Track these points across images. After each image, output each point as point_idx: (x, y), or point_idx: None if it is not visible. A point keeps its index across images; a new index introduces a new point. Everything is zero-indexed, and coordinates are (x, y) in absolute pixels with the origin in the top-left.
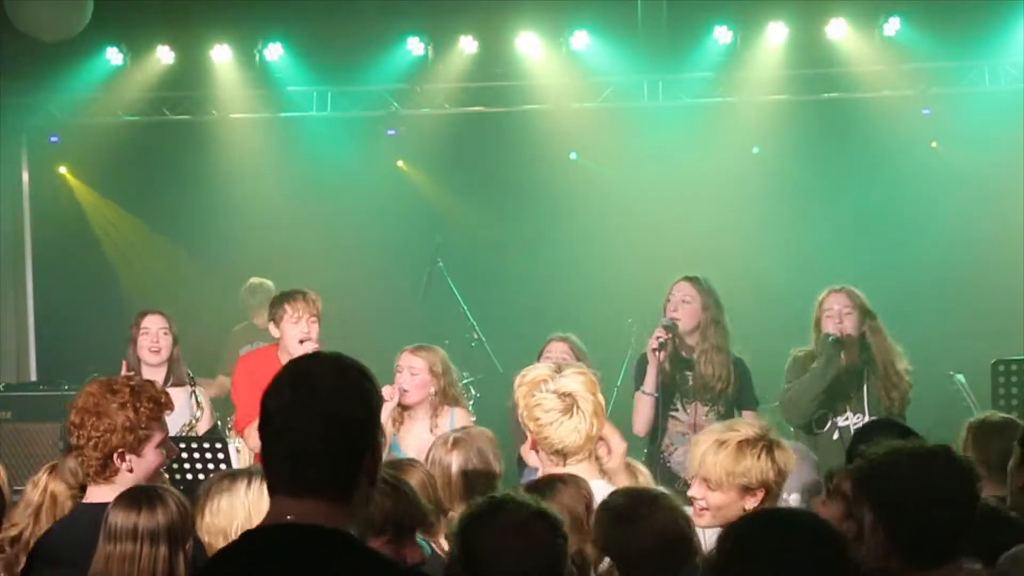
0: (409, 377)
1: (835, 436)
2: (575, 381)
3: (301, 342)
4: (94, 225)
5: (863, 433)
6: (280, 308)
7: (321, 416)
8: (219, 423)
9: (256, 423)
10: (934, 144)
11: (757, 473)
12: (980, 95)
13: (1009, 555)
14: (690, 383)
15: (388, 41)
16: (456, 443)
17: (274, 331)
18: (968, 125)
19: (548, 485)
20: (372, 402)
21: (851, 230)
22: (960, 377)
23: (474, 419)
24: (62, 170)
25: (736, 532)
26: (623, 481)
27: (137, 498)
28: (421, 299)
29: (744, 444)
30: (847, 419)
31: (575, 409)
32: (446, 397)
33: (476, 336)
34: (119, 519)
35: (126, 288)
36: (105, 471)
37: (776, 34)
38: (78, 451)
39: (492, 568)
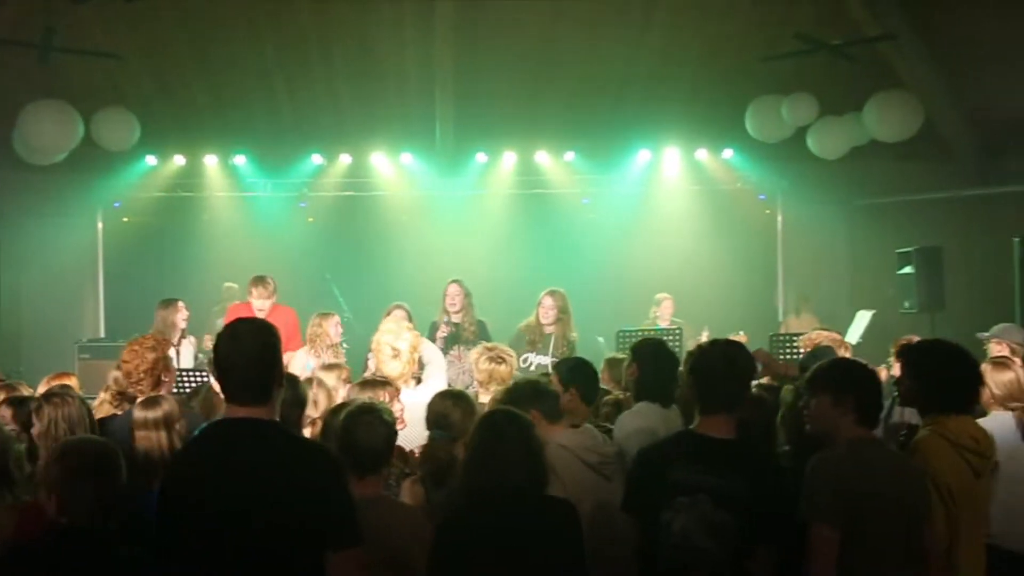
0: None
1: (532, 368)
2: (404, 342)
3: (259, 309)
4: (138, 248)
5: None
6: (251, 287)
7: (248, 358)
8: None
9: None
10: (592, 216)
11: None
12: (614, 193)
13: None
14: (459, 335)
15: (302, 155)
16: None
17: (248, 296)
18: (609, 208)
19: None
20: (276, 345)
21: (550, 257)
22: (601, 339)
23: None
24: (124, 219)
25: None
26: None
27: (145, 402)
28: (327, 278)
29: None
30: (538, 358)
31: (399, 357)
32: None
33: (347, 315)
34: (138, 415)
35: (156, 283)
36: (156, 388)
37: (509, 158)
38: (136, 382)
39: (361, 437)
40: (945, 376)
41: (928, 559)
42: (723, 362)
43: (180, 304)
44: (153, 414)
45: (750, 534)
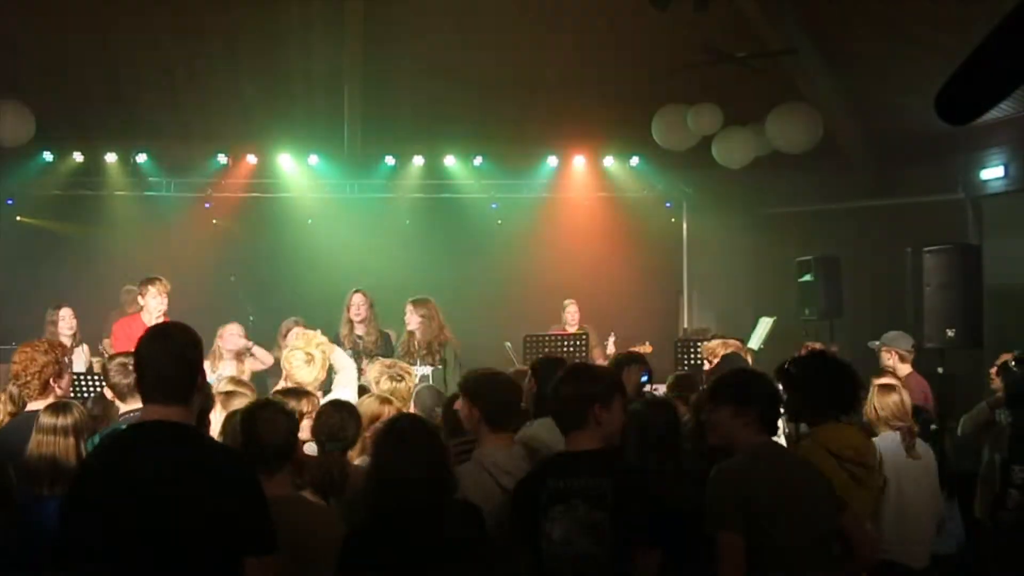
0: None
1: (419, 375)
2: (316, 348)
3: (159, 308)
4: (32, 247)
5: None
6: (147, 286)
7: (172, 357)
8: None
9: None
10: (499, 221)
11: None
12: (523, 198)
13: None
14: (362, 347)
15: (207, 155)
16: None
17: (140, 300)
18: (517, 213)
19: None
20: (198, 348)
21: (457, 261)
22: (508, 344)
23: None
24: (18, 218)
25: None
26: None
27: (56, 407)
28: (232, 280)
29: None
30: (421, 369)
31: (312, 362)
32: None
33: (251, 318)
34: (45, 420)
35: (52, 285)
36: (44, 392)
37: (417, 161)
38: (24, 384)
39: (264, 432)
40: (819, 385)
41: (857, 549)
42: (562, 383)
43: (64, 311)
44: (62, 420)
45: (624, 533)
